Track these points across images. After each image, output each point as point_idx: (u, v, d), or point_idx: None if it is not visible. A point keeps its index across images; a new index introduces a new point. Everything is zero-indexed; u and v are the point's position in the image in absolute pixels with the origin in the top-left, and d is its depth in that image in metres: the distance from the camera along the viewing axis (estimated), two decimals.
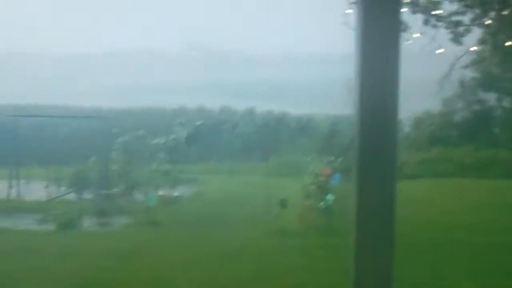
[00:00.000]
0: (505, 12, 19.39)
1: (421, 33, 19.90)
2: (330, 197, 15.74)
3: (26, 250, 13.26)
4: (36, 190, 21.22)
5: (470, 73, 31.69)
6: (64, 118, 30.44)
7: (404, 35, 18.02)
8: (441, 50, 20.68)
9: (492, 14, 20.27)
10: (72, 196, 20.61)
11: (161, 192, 18.65)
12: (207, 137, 20.53)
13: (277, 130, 31.81)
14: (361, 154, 2.69)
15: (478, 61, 29.59)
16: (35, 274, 11.29)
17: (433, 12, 19.93)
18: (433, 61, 22.78)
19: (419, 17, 19.87)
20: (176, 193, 19.87)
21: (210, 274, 11.48)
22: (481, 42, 24.11)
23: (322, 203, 15.77)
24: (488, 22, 20.72)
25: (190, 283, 10.89)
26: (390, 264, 2.77)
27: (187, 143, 20.43)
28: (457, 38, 20.93)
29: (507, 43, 21.38)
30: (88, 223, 16.90)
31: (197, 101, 35.14)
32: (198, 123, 20.37)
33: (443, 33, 20.54)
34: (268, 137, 30.37)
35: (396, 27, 2.75)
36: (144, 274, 11.42)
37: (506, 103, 32.38)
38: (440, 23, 20.29)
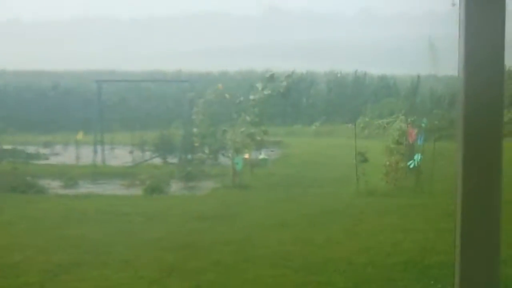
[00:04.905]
0: None
1: None
2: (417, 157, 15.39)
3: (115, 214, 13.26)
4: (121, 155, 21.28)
5: None
6: (144, 82, 30.38)
7: None
8: None
9: None
10: (157, 160, 20.58)
11: (246, 155, 18.40)
12: (290, 99, 20.17)
13: (360, 91, 31.32)
14: (466, 118, 2.49)
15: None
16: (125, 237, 11.26)
17: None
18: None
19: None
20: (262, 156, 19.63)
21: (303, 235, 11.28)
22: None
23: (410, 163, 15.42)
24: None
25: (282, 243, 10.71)
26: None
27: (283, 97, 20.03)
28: None
29: None
30: (175, 187, 16.84)
31: (269, 64, 34.43)
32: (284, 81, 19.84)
33: None
34: (352, 99, 29.95)
35: None
36: (235, 236, 11.27)
37: None
38: None
